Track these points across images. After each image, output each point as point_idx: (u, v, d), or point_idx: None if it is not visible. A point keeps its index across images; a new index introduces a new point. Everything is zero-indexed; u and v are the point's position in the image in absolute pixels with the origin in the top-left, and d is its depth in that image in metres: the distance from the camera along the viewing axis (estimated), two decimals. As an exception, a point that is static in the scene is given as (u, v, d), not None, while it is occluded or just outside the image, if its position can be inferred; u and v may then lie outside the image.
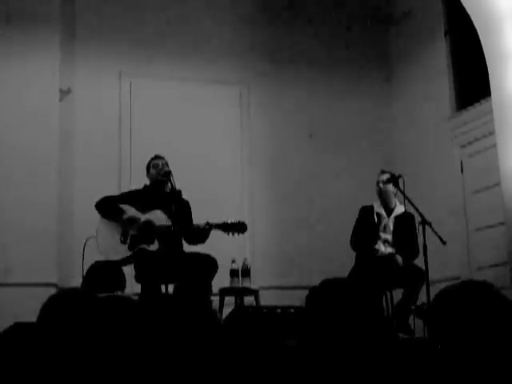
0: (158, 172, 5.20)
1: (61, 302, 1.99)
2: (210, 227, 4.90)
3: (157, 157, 5.30)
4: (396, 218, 5.63)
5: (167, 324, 2.19)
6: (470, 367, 1.69)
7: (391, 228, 5.59)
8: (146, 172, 5.32)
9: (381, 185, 5.63)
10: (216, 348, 2.22)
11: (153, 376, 1.90)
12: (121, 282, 3.58)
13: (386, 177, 5.64)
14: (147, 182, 5.32)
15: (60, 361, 1.83)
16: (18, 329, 1.97)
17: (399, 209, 5.66)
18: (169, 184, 5.17)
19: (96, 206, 5.10)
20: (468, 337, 1.73)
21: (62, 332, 1.90)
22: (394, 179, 5.52)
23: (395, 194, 5.67)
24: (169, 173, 5.19)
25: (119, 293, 3.47)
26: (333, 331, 1.73)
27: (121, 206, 5.06)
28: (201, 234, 4.98)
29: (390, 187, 5.62)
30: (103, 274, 3.58)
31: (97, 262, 3.82)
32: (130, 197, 5.19)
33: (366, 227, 5.58)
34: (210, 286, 4.84)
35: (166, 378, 1.98)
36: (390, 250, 5.55)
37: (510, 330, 1.72)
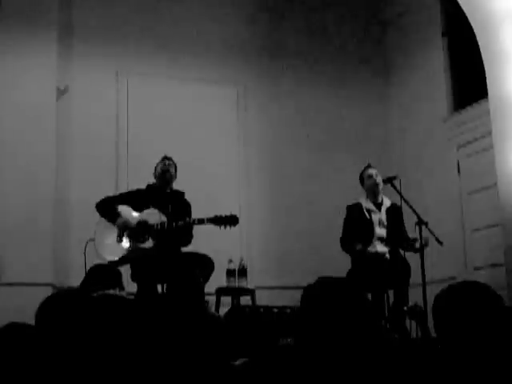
0: (160, 172, 5.27)
1: (58, 303, 1.99)
2: (198, 222, 4.91)
3: (163, 158, 5.35)
4: (387, 210, 5.62)
5: (164, 323, 2.19)
6: (471, 367, 1.69)
7: (385, 222, 5.56)
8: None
9: (376, 178, 5.58)
10: (215, 346, 2.22)
11: (150, 375, 1.89)
12: (119, 282, 3.63)
13: (374, 172, 5.62)
14: (149, 181, 5.38)
15: (57, 361, 1.82)
16: (13, 329, 1.97)
17: (387, 201, 5.66)
18: (169, 184, 5.24)
19: (96, 206, 5.14)
20: (469, 337, 1.73)
21: (59, 332, 1.89)
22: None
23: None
24: (166, 171, 5.25)
25: (118, 291, 3.50)
26: (327, 330, 1.73)
27: (118, 207, 5.08)
28: (185, 228, 4.99)
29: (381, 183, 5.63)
30: (102, 274, 3.63)
31: (96, 265, 3.92)
32: (130, 196, 5.22)
33: (359, 225, 5.55)
34: (203, 285, 4.84)
35: (164, 377, 1.98)
36: (385, 248, 5.51)
37: (507, 332, 1.72)
